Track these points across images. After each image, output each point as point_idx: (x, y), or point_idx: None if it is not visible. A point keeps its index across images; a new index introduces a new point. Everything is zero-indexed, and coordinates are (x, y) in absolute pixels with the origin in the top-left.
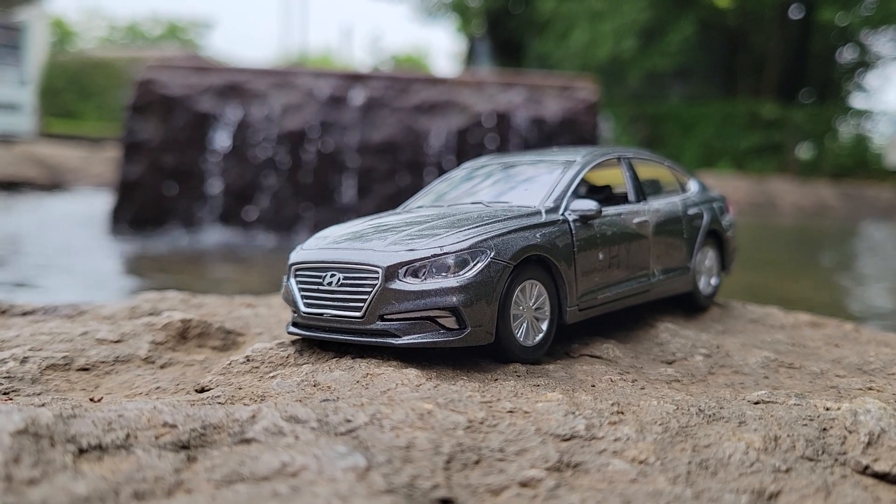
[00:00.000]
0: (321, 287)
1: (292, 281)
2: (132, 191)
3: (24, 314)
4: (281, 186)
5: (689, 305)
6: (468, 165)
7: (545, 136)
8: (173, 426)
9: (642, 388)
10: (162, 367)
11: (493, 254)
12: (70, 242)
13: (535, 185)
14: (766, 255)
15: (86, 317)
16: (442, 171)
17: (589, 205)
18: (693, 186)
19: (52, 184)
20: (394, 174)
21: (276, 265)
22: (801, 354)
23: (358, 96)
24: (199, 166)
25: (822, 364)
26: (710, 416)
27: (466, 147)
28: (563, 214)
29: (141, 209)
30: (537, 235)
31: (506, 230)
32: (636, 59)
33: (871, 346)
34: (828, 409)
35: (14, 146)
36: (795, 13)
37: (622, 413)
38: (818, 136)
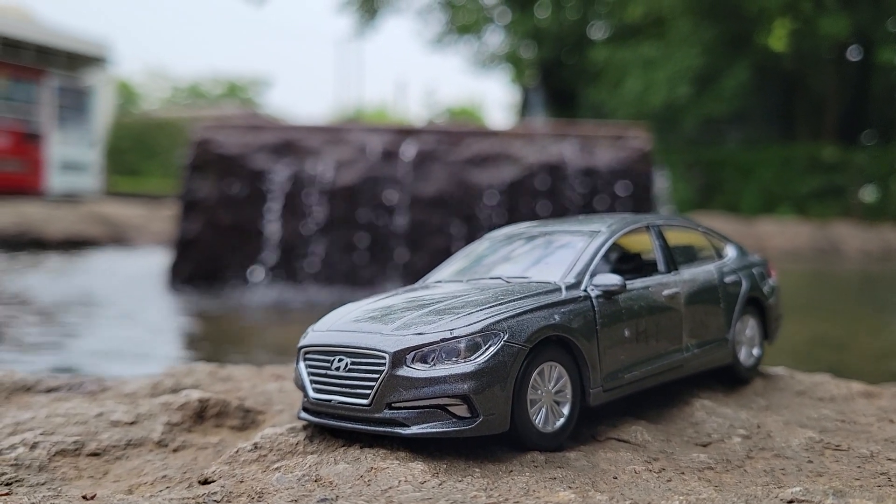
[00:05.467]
0: (329, 372)
1: (301, 365)
2: (189, 247)
3: (49, 391)
4: (334, 241)
5: (730, 378)
6: (491, 236)
7: (598, 186)
8: None
9: (668, 481)
10: (174, 450)
11: (506, 336)
12: (126, 301)
13: (557, 258)
14: (828, 304)
15: (107, 394)
16: (493, 224)
17: (613, 280)
18: (730, 252)
19: (115, 241)
20: (445, 227)
21: None
22: (850, 433)
23: (410, 150)
24: (254, 223)
25: (873, 445)
26: None
27: (518, 198)
28: (584, 290)
29: (198, 266)
30: (555, 315)
31: (521, 310)
32: (691, 106)
33: None
34: None
35: (80, 205)
36: (854, 55)
37: None
38: (882, 179)
